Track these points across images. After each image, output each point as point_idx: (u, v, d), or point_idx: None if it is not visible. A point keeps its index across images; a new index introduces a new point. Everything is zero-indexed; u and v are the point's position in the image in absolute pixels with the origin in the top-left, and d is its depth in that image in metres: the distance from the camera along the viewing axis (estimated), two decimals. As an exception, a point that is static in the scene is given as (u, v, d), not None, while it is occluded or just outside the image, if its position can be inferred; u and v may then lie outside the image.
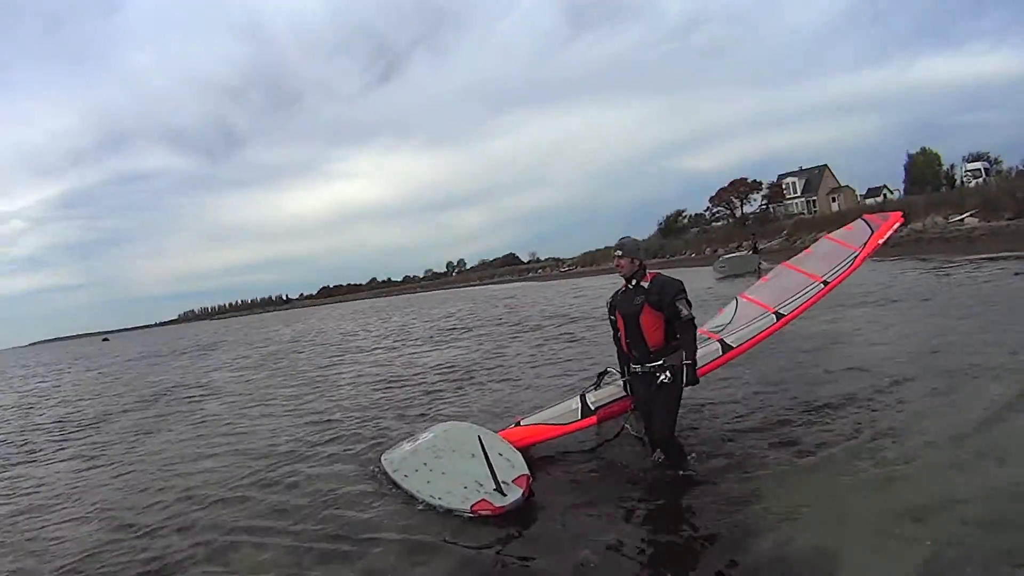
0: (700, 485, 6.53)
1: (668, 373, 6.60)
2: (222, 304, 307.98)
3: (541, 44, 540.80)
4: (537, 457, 7.78)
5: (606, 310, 7.40)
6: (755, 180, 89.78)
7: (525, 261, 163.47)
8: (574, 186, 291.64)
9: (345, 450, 9.63)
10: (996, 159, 78.32)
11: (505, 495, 6.37)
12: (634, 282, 6.93)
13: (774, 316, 8.46)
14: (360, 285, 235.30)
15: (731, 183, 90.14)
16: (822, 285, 8.72)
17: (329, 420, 12.14)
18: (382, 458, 8.29)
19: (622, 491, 6.70)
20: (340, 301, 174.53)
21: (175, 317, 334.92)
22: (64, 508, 9.02)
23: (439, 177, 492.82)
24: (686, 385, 6.61)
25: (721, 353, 8.14)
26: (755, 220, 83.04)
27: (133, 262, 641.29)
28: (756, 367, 11.03)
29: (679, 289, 6.68)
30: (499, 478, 6.50)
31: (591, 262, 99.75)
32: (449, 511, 6.55)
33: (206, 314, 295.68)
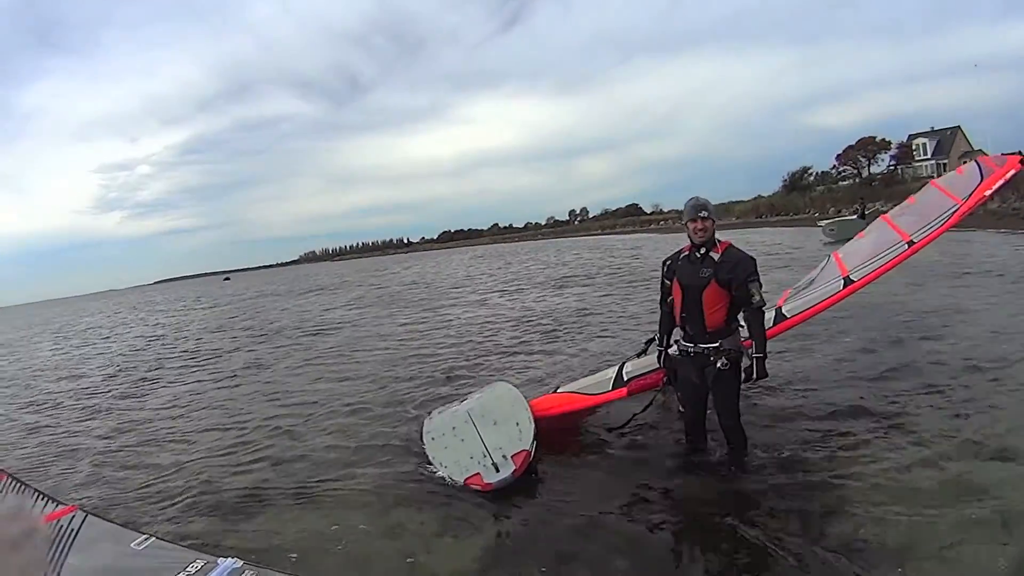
0: (746, 471, 6.17)
1: (725, 359, 6.00)
2: (343, 246, 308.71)
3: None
4: (573, 425, 7.73)
5: (661, 271, 6.57)
6: (883, 139, 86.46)
7: (648, 212, 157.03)
8: (701, 137, 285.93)
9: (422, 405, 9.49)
10: None
11: (498, 471, 6.22)
12: (703, 250, 6.08)
13: (842, 281, 7.70)
14: (481, 231, 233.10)
15: (859, 141, 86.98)
16: (906, 246, 7.70)
17: (422, 367, 12.57)
18: (426, 419, 8.00)
19: (640, 474, 6.39)
20: (461, 246, 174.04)
21: (296, 258, 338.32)
22: (175, 431, 10.11)
23: (564, 124, 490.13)
24: (756, 379, 5.99)
25: (772, 324, 7.36)
26: (880, 182, 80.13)
27: (256, 204, 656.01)
28: (841, 339, 10.75)
29: (753, 269, 5.95)
30: (501, 451, 6.44)
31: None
32: (446, 481, 6.47)
33: (327, 255, 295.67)
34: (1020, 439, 6.03)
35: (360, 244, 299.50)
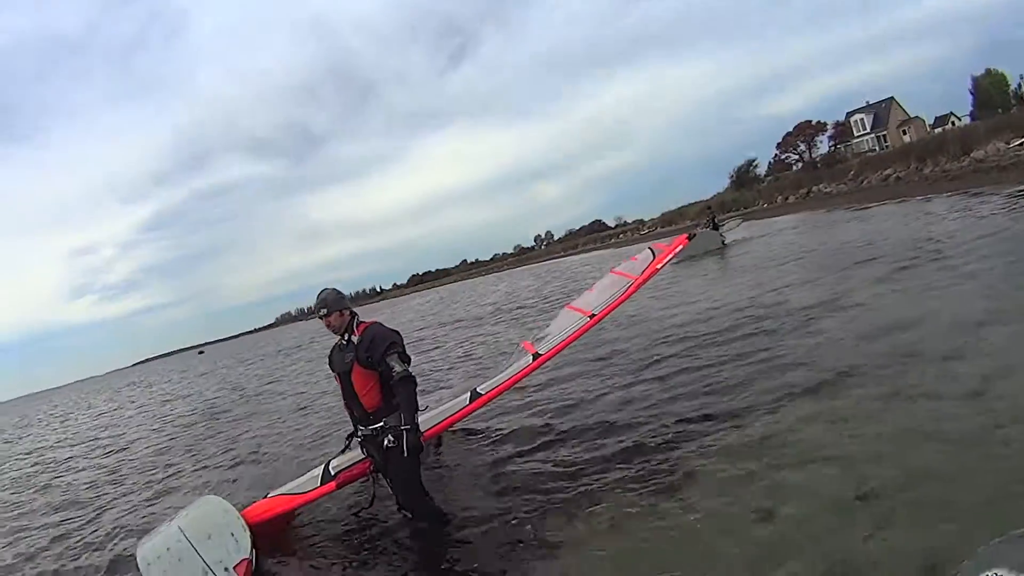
0: (469, 542, 6.13)
1: (391, 436, 6.12)
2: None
3: (607, 4, 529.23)
4: (294, 530, 7.64)
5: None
6: (819, 121, 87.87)
7: (612, 225, 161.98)
8: (651, 144, 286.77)
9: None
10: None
11: None
12: (346, 336, 6.41)
13: (531, 357, 8.13)
14: (448, 269, 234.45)
15: (796, 127, 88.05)
16: (588, 319, 8.35)
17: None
18: (138, 545, 7.21)
19: (373, 563, 6.38)
20: (429, 287, 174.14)
21: (272, 321, 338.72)
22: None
23: (520, 152, 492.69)
24: (406, 453, 6.02)
25: (468, 403, 7.81)
26: (823, 163, 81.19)
27: (225, 272, 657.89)
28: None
29: (391, 343, 6.16)
30: (222, 564, 6.19)
31: (670, 221, 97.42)
32: None
33: (302, 315, 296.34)
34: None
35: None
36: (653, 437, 7.38)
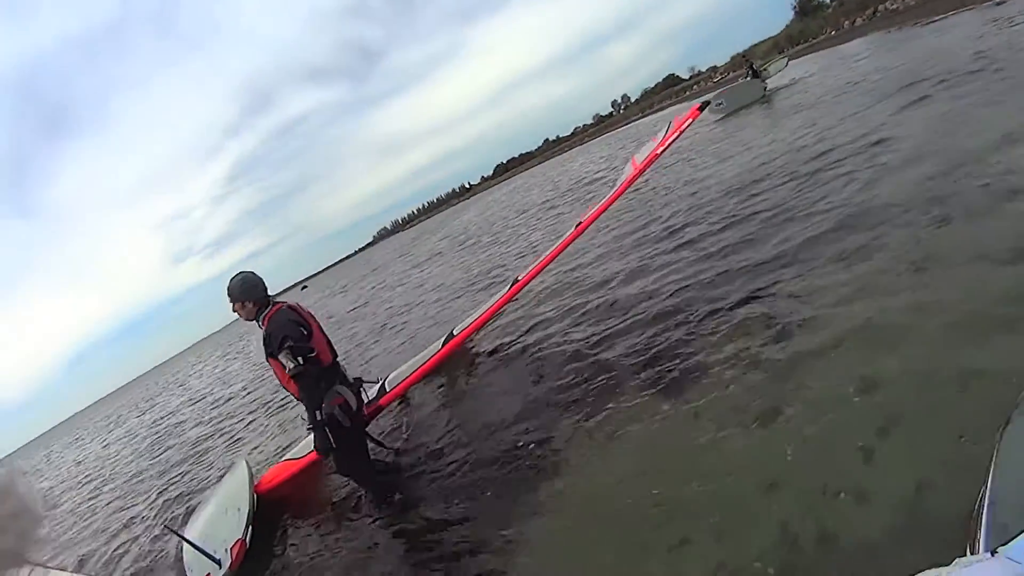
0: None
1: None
2: (412, 211, 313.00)
3: None
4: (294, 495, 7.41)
5: None
6: None
7: (686, 78, 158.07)
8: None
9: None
10: None
11: (220, 567, 5.93)
12: (259, 326, 5.87)
13: (511, 283, 7.92)
14: (532, 152, 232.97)
15: None
16: (573, 228, 7.89)
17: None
18: (192, 518, 7.64)
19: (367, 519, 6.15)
20: (517, 173, 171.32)
21: (370, 240, 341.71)
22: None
23: (578, 20, 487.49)
24: (317, 453, 5.89)
25: (441, 347, 7.77)
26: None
27: (315, 203, 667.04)
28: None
29: (281, 338, 5.56)
30: (225, 544, 6.17)
31: (739, 66, 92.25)
32: None
33: (398, 226, 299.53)
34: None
35: (426, 204, 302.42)
36: (665, 331, 6.80)
